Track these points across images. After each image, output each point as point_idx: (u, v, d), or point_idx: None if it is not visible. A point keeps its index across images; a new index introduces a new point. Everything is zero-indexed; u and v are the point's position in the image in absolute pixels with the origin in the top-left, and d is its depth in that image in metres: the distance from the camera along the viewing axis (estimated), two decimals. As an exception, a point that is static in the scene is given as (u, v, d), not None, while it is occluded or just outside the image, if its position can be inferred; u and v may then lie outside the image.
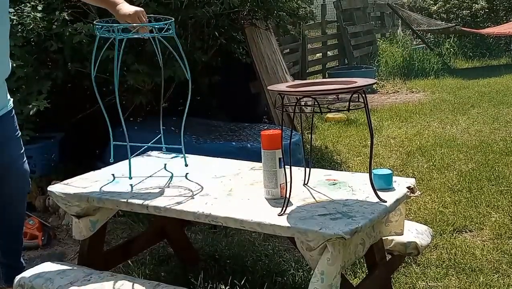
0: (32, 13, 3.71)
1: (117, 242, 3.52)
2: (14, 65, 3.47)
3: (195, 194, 2.24)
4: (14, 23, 3.73)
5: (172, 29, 2.23)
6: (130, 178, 2.41)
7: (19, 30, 3.76)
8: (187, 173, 2.48)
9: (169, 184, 2.39)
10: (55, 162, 4.28)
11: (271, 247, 3.29)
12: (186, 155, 2.49)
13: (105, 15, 3.86)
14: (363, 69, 9.28)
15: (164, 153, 2.83)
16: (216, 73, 5.09)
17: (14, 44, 3.74)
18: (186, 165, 2.51)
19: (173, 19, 2.26)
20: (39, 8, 3.80)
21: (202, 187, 2.32)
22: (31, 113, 3.71)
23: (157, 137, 2.62)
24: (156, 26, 2.24)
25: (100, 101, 2.35)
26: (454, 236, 3.44)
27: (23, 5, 3.83)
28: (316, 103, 1.97)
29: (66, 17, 3.76)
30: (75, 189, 2.42)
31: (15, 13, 3.77)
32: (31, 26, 3.67)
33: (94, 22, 2.23)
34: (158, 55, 2.47)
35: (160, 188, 2.34)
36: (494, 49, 11.75)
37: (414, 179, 2.28)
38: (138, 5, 3.68)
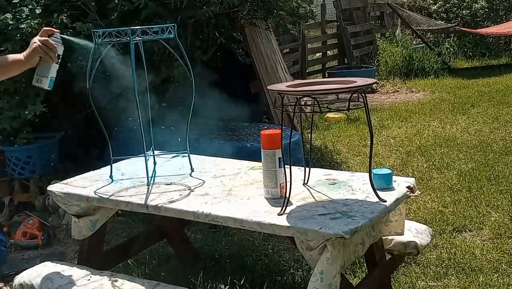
0: (29, 19, 3.70)
1: (117, 241, 3.52)
2: None
3: (195, 194, 2.24)
4: (12, 28, 3.72)
5: (173, 32, 2.23)
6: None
7: (18, 35, 3.75)
8: (187, 173, 2.48)
9: (169, 183, 2.39)
10: (55, 162, 4.28)
11: (271, 246, 3.29)
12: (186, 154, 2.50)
13: (104, 17, 3.89)
14: (363, 69, 9.27)
15: (164, 153, 2.83)
16: (216, 73, 5.09)
17: (13, 48, 3.74)
18: (192, 170, 2.51)
19: (175, 24, 2.25)
20: (37, 11, 3.78)
21: (202, 187, 2.32)
22: (27, 117, 3.71)
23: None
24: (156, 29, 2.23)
25: (94, 110, 2.36)
26: (454, 235, 3.44)
27: (21, 8, 3.82)
28: (316, 102, 1.97)
29: (65, 20, 3.75)
30: (75, 189, 2.42)
31: (12, 18, 3.76)
32: (29, 31, 3.66)
33: (93, 30, 2.23)
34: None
35: (160, 187, 2.34)
36: (494, 49, 11.75)
37: (413, 178, 2.28)
38: (138, 6, 3.71)
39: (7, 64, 2.20)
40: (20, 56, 2.21)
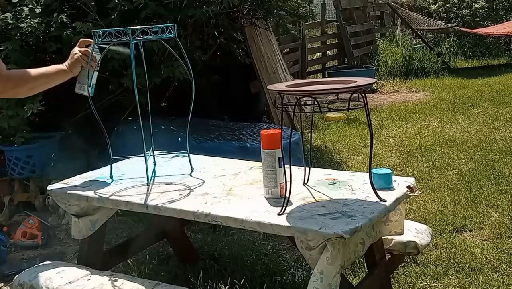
0: (29, 18, 3.70)
1: (117, 241, 3.52)
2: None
3: (195, 194, 2.24)
4: (11, 27, 3.72)
5: (173, 32, 2.24)
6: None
7: (18, 34, 3.74)
8: (187, 173, 2.48)
9: (169, 183, 2.39)
10: (55, 161, 4.28)
11: (271, 246, 3.29)
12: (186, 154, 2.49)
13: (104, 16, 3.89)
14: (362, 69, 9.27)
15: (164, 153, 2.83)
16: (216, 72, 5.09)
17: (12, 48, 3.73)
18: (192, 170, 2.51)
19: (175, 24, 2.26)
20: (37, 11, 3.78)
21: (202, 187, 2.32)
22: (26, 116, 3.71)
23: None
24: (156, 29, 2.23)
25: (94, 110, 2.36)
26: (454, 235, 3.44)
27: (21, 8, 3.81)
28: (316, 102, 1.97)
29: (64, 20, 3.75)
30: (75, 188, 2.42)
31: (12, 17, 3.76)
32: (29, 31, 3.66)
33: (93, 30, 2.23)
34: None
35: (160, 187, 2.34)
36: (494, 49, 11.75)
37: (413, 178, 2.27)
38: (138, 6, 3.72)
39: (49, 75, 2.34)
40: (62, 66, 2.35)
